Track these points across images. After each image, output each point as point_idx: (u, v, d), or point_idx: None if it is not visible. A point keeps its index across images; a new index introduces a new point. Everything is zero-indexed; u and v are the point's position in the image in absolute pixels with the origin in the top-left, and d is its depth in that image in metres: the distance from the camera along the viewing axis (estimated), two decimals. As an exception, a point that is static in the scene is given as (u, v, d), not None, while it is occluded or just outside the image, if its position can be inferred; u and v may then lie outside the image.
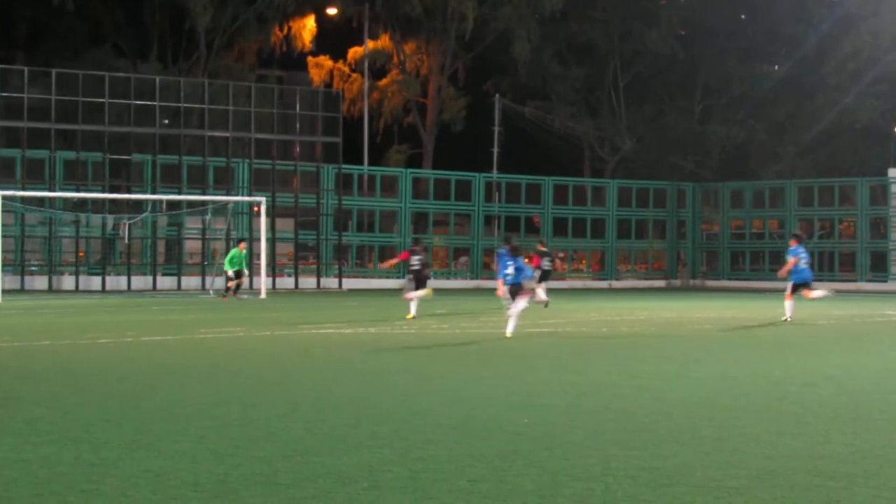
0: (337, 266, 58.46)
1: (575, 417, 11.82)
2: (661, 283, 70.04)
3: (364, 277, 61.65)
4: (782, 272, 30.25)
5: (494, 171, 69.49)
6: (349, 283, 57.83)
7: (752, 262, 70.31)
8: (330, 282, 57.16)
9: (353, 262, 62.42)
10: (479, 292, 54.61)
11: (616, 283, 67.97)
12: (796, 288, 29.45)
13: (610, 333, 24.75)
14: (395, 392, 13.86)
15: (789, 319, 28.92)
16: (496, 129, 72.20)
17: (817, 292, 30.46)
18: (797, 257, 29.27)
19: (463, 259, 67.82)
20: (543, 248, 38.85)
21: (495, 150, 70.99)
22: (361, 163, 69.73)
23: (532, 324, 27.49)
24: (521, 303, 23.66)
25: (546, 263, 37.93)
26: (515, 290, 23.60)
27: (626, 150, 79.29)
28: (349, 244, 61.50)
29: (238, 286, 43.09)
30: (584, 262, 72.43)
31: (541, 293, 36.14)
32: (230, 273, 43.10)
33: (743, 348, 20.81)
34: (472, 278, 64.98)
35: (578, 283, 67.18)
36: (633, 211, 70.01)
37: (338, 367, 16.94)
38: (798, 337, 24.16)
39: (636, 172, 77.14)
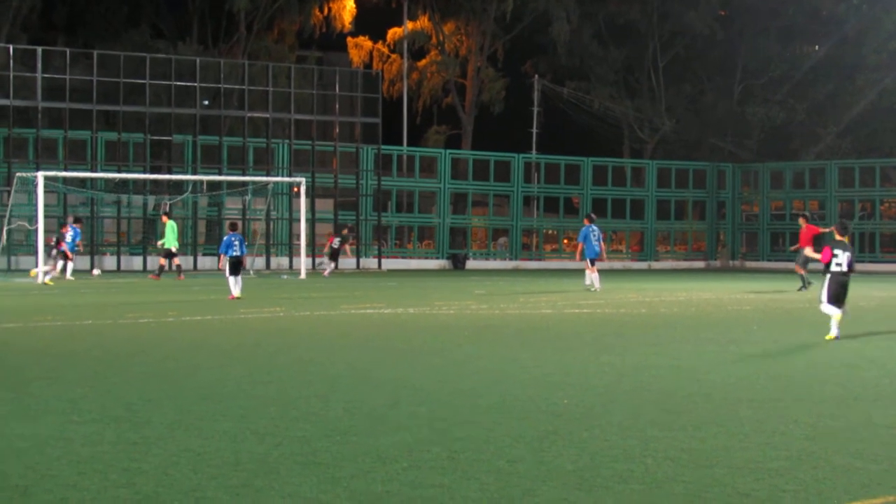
0: (376, 246, 58.56)
1: (614, 398, 11.80)
2: (700, 264, 69.77)
3: (403, 258, 61.68)
4: (578, 255, 35.85)
5: (533, 151, 69.42)
6: (388, 264, 57.89)
7: (791, 244, 69.59)
8: (369, 262, 57.23)
9: (392, 243, 62.46)
10: (518, 273, 54.57)
11: (655, 264, 67.76)
12: (593, 262, 34.85)
13: (649, 314, 24.69)
14: (434, 373, 13.88)
15: (598, 289, 34.33)
16: (535, 109, 72.16)
17: None
18: (583, 242, 34.95)
19: (502, 240, 67.79)
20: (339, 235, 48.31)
21: (534, 130, 70.94)
22: (401, 144, 69.81)
23: (571, 304, 27.48)
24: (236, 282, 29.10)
25: (336, 243, 47.16)
26: (237, 261, 29.14)
27: (665, 130, 78.98)
28: (388, 225, 61.52)
29: (162, 268, 42.45)
30: (623, 242, 72.21)
31: (330, 266, 46.98)
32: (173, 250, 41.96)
33: (783, 330, 20.70)
34: (510, 259, 64.90)
35: (618, 264, 66.99)
36: (673, 192, 69.74)
37: (377, 348, 16.97)
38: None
39: (675, 153, 76.93)
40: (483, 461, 8.49)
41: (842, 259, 19.34)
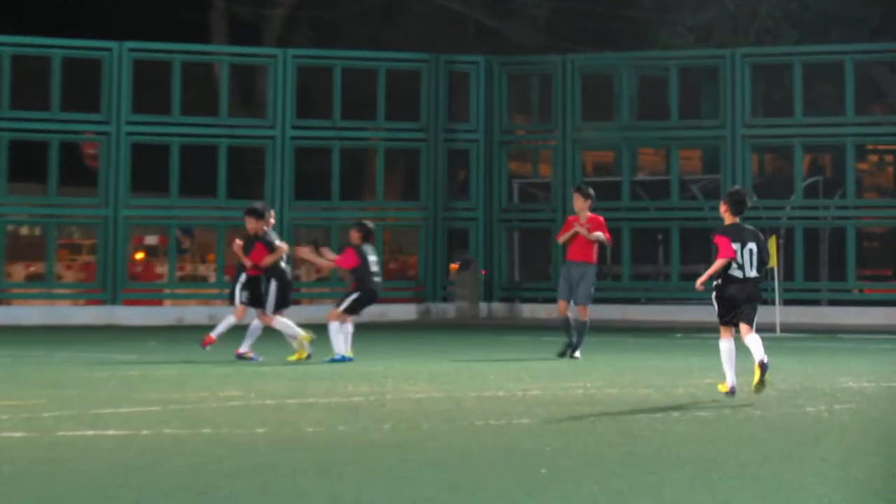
0: None
1: None
2: (408, 311, 70.12)
3: None
4: None
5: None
6: None
7: (635, 259, 70.86)
8: None
9: None
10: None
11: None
12: None
13: (286, 438, 24.07)
14: None
15: None
16: None
17: None
18: None
19: None
20: None
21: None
22: None
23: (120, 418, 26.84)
24: None
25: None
26: None
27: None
28: None
29: None
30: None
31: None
32: None
33: (606, 472, 20.25)
34: None
35: (201, 312, 66.92)
36: (324, 128, 69.67)
37: None
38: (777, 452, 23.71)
39: (337, 28, 77.69)
40: None
41: (745, 258, 23.46)
